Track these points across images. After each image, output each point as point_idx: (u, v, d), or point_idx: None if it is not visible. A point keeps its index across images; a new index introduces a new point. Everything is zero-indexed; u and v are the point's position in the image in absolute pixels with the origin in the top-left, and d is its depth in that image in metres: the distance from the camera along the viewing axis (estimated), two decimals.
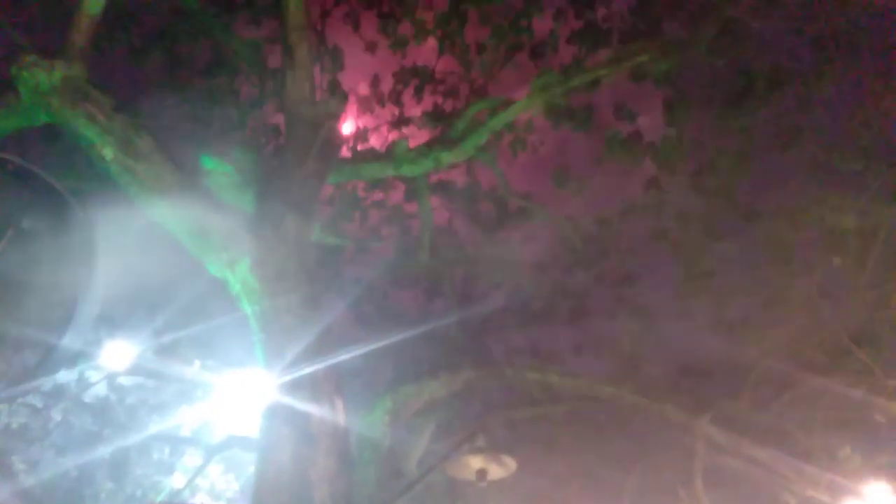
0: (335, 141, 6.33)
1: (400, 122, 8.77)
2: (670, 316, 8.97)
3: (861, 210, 7.23)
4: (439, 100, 8.65)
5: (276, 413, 4.73)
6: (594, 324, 9.62)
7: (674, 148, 7.59)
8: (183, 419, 11.05)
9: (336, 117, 6.37)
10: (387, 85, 8.74)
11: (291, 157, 6.11)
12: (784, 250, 7.81)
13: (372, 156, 7.91)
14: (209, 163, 6.16)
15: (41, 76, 4.96)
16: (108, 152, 5.13)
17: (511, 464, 5.31)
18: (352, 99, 8.89)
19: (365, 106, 8.96)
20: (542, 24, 8.41)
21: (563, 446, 9.54)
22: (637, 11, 7.32)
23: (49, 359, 3.03)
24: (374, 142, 8.74)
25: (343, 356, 5.25)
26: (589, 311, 9.62)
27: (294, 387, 4.71)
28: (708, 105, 7.73)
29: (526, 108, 7.35)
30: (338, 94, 7.49)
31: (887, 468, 7.45)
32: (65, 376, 10.15)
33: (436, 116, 8.65)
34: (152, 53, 7.72)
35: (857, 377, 7.66)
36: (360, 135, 8.96)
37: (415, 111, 8.76)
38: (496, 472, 5.40)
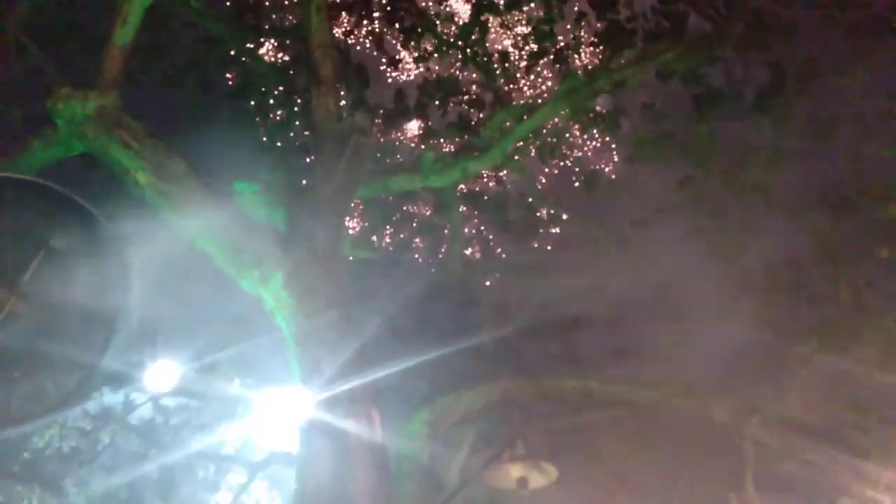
0: (363, 155, 6.37)
1: (427, 134, 8.81)
2: (711, 316, 8.72)
3: None
4: (464, 110, 8.67)
5: (314, 429, 4.75)
6: (633, 328, 9.41)
7: (706, 145, 7.42)
8: (226, 437, 11.19)
9: (362, 131, 6.43)
10: (411, 98, 8.80)
11: (320, 173, 6.18)
12: (828, 245, 7.54)
13: (400, 168, 7.96)
14: (240, 185, 6.28)
15: (76, 107, 5.14)
16: (142, 177, 5.27)
17: (552, 471, 5.21)
18: (379, 113, 8.98)
19: (391, 120, 9.04)
20: (564, 28, 8.38)
21: (605, 454, 9.33)
22: (661, 9, 7.22)
23: (90, 380, 3.09)
24: (402, 155, 8.79)
25: (379, 370, 5.25)
26: (627, 315, 9.43)
27: (331, 402, 4.72)
28: (739, 100, 7.56)
29: (552, 113, 7.30)
30: (363, 109, 7.57)
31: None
32: (111, 399, 10.39)
33: (461, 126, 8.67)
34: (184, 81, 7.95)
35: None
36: (388, 148, 9.04)
37: (441, 123, 8.79)
38: (537, 480, 5.30)
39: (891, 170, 6.99)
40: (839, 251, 7.41)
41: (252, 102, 7.70)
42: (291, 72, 7.77)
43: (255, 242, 5.45)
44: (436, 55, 8.51)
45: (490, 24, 8.34)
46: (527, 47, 8.28)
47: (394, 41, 9.43)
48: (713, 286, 8.55)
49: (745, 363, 8.28)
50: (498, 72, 8.52)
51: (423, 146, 8.62)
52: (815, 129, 7.35)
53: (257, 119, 7.50)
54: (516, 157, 8.01)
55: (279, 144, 7.44)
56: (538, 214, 9.06)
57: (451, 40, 8.59)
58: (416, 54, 8.67)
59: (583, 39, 7.73)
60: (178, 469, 10.87)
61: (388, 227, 9.08)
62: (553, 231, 9.25)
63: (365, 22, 8.47)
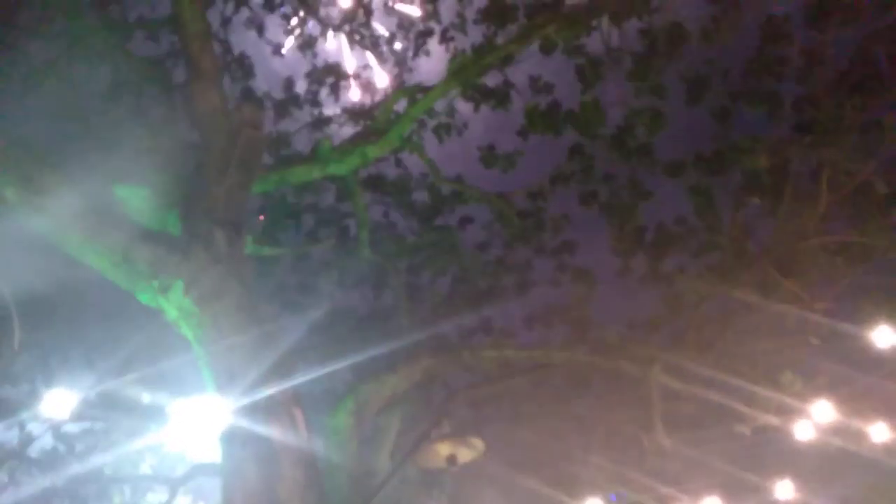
0: (255, 149, 6.16)
1: (320, 122, 8.62)
2: (610, 275, 9.25)
3: (771, 149, 7.63)
4: (357, 95, 8.56)
5: (234, 436, 4.62)
6: (540, 294, 9.82)
7: (592, 114, 7.76)
8: (140, 456, 10.63)
9: (253, 125, 6.19)
10: (301, 86, 8.57)
11: (211, 172, 5.91)
12: (705, 196, 8.16)
13: (296, 159, 7.76)
14: (122, 190, 5.89)
15: None
16: (9, 192, 4.83)
17: (479, 444, 5.39)
18: (267, 104, 8.67)
19: (282, 110, 8.76)
20: (448, 7, 8.43)
21: (527, 417, 9.75)
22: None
23: None
24: (297, 145, 8.57)
25: (297, 369, 5.17)
26: (534, 282, 9.81)
27: (250, 408, 4.61)
28: (618, 68, 7.95)
29: (444, 91, 7.36)
30: (251, 101, 7.28)
31: (827, 386, 7.97)
32: (4, 434, 9.57)
33: (356, 112, 8.56)
34: (43, 83, 7.27)
35: (788, 306, 8.13)
36: (282, 139, 8.77)
37: (334, 109, 8.63)
38: (466, 454, 5.47)
39: (755, 124, 7.65)
40: (716, 203, 8.04)
41: (127, 102, 7.18)
42: (168, 66, 7.31)
43: (149, 251, 5.15)
44: (321, 41, 8.30)
45: (374, 6, 8.25)
46: (413, 28, 8.27)
47: (276, 27, 9.12)
48: (605, 245, 9.06)
49: (645, 316, 8.87)
50: (386, 54, 8.46)
51: (318, 134, 8.44)
52: (688, 90, 7.90)
53: (135, 119, 7.01)
54: (414, 139, 8.02)
55: (163, 145, 7.00)
56: (441, 194, 9.14)
57: (336, 24, 8.41)
58: (300, 41, 8.42)
59: (467, 17, 7.82)
60: (91, 498, 10.23)
61: (289, 219, 8.85)
62: (457, 208, 9.38)
63: (243, 9, 8.10)
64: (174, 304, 5.12)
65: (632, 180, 8.62)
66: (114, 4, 7.36)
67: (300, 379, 4.96)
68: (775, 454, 8.48)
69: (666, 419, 8.57)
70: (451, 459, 5.28)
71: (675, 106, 8.04)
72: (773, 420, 8.23)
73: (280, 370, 5.03)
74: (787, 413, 8.06)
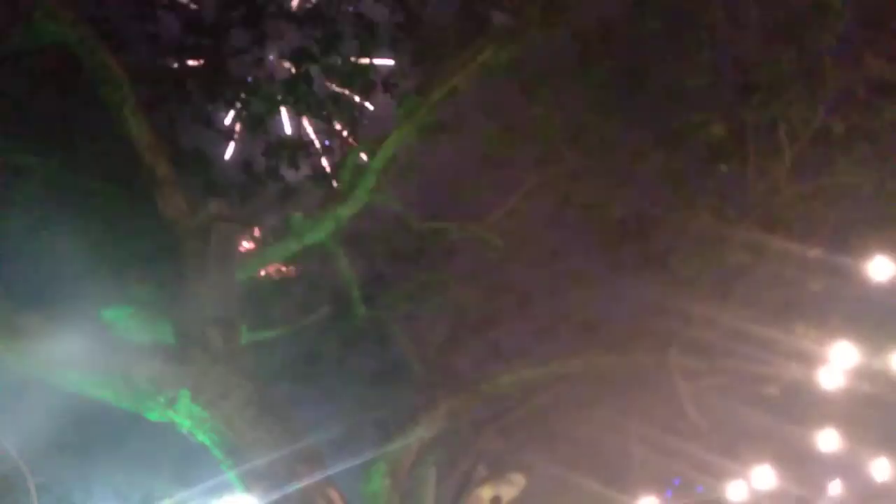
0: (230, 240, 6.17)
1: (287, 195, 8.66)
2: (604, 272, 9.28)
3: (724, 117, 7.78)
4: (316, 160, 8.61)
5: None
6: (541, 307, 9.81)
7: (546, 125, 7.89)
8: None
9: (222, 217, 6.22)
10: (259, 164, 8.62)
11: (191, 273, 5.91)
12: (675, 175, 8.27)
13: (272, 238, 7.77)
14: (108, 312, 5.86)
15: None
16: None
17: (519, 479, 5.34)
18: (231, 191, 8.69)
19: (246, 193, 8.78)
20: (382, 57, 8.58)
21: (559, 432, 9.65)
22: (462, 14, 7.58)
23: None
24: (267, 223, 8.57)
25: (320, 447, 5.11)
26: (532, 298, 9.80)
27: (283, 500, 4.53)
28: (561, 73, 8.10)
29: (400, 138, 7.42)
30: (215, 194, 7.31)
31: (842, 328, 7.99)
32: None
33: (319, 177, 8.61)
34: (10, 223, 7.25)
35: (782, 261, 8.19)
36: (253, 220, 8.76)
37: (297, 179, 8.67)
38: (509, 492, 5.41)
39: (701, 98, 7.78)
40: (684, 179, 8.14)
41: (94, 224, 7.16)
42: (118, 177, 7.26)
43: (147, 368, 5.12)
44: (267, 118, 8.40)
45: (312, 73, 8.36)
46: (354, 84, 8.38)
47: (221, 114, 9.20)
48: (591, 245, 9.11)
49: (647, 304, 8.89)
50: (335, 115, 8.55)
51: (287, 208, 8.46)
52: (631, 79, 8.05)
53: (104, 240, 6.98)
54: (382, 189, 8.06)
55: (135, 256, 6.98)
56: (422, 234, 9.15)
57: (279, 98, 8.51)
58: (248, 122, 8.51)
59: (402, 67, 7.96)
60: None
61: (278, 296, 8.81)
62: (439, 244, 9.40)
63: (185, 107, 8.18)
64: (184, 415, 5.08)
65: (598, 175, 8.70)
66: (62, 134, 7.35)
67: (330, 469, 4.88)
68: (809, 408, 8.45)
69: (695, 399, 8.55)
70: (496, 501, 5.21)
71: (622, 97, 8.19)
72: (798, 373, 8.22)
73: (305, 454, 4.97)
74: (809, 363, 8.07)
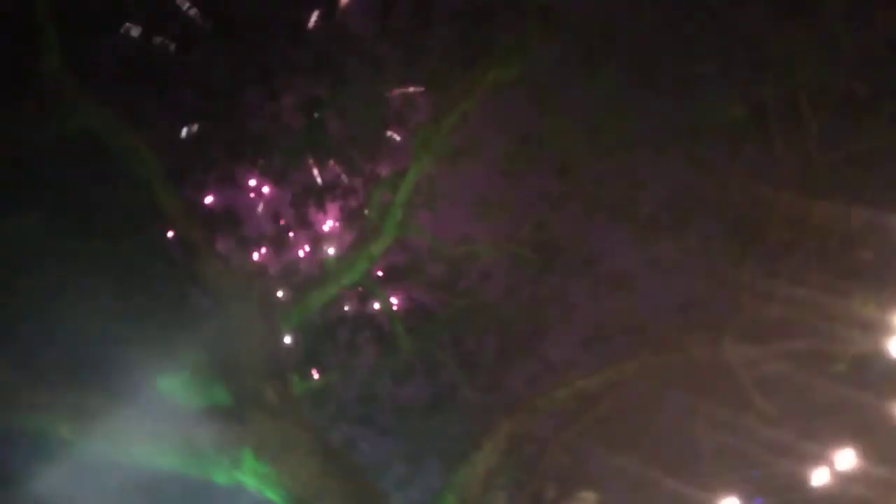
0: (271, 295, 6.29)
1: (318, 240, 8.80)
2: (642, 270, 9.11)
3: (742, 95, 7.66)
4: (343, 202, 8.74)
5: None
6: (584, 315, 9.68)
7: (566, 132, 7.89)
8: None
9: (260, 272, 6.36)
10: (287, 214, 8.79)
11: (239, 333, 6.02)
12: (701, 163, 8.13)
13: (310, 284, 7.88)
14: (164, 382, 5.99)
15: None
16: (65, 429, 4.93)
17: (590, 497, 5.21)
18: (263, 244, 8.88)
19: (279, 244, 8.96)
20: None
21: (624, 439, 9.43)
22: (464, 38, 7.67)
23: None
24: (303, 270, 8.71)
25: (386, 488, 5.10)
26: (574, 307, 9.69)
27: None
28: (568, 81, 8.10)
29: (420, 169, 7.50)
30: (246, 250, 7.46)
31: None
32: None
33: (347, 217, 8.73)
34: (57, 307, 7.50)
35: (826, 233, 7.94)
36: (290, 269, 8.93)
37: (326, 224, 8.81)
38: None
39: (715, 82, 7.66)
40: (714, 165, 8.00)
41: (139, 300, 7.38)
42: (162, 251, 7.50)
43: (209, 432, 5.22)
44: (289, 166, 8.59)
45: (325, 118, 8.53)
46: (369, 122, 8.51)
47: (244, 170, 9.42)
48: (626, 245, 8.97)
49: (690, 298, 8.69)
50: (354, 155, 8.69)
51: (320, 254, 8.59)
52: (640, 74, 8.00)
53: (148, 311, 7.17)
54: (409, 222, 8.12)
55: (182, 323, 7.16)
56: (454, 259, 9.17)
57: (298, 148, 8.69)
58: (272, 176, 8.71)
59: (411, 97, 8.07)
60: None
61: (325, 341, 8.91)
62: (474, 266, 9.39)
63: (211, 171, 8.43)
64: (250, 473, 5.13)
65: (622, 175, 8.62)
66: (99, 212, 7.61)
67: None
68: (881, 379, 8.09)
69: (760, 387, 8.27)
70: None
71: (635, 93, 8.13)
72: (863, 345, 7.91)
73: (372, 497, 4.97)
74: (875, 333, 7.75)
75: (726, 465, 9.36)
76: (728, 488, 8.79)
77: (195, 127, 8.71)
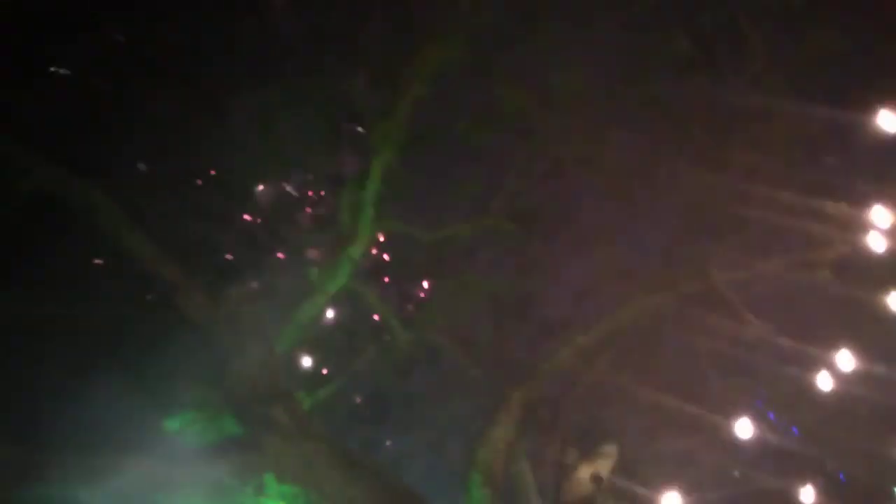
0: (260, 320, 6.25)
1: (297, 253, 8.71)
2: (620, 220, 9.17)
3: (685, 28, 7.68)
4: (310, 212, 8.65)
5: None
6: (572, 272, 9.74)
7: (515, 104, 7.88)
8: None
9: (247, 300, 6.30)
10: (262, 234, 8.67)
11: (235, 361, 5.99)
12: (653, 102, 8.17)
13: (297, 299, 7.83)
14: (171, 422, 5.96)
15: None
16: (84, 495, 4.90)
17: (612, 450, 5.31)
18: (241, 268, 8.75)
19: (257, 263, 8.84)
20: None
21: (631, 387, 9.56)
22: (400, 27, 7.58)
23: None
24: (283, 288, 8.59)
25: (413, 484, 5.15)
26: (559, 266, 9.74)
27: None
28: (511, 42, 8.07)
29: (384, 163, 7.45)
30: (231, 281, 7.34)
31: (868, 193, 7.81)
32: None
33: (318, 227, 8.65)
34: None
35: (791, 139, 8.04)
36: (274, 288, 8.84)
37: (300, 237, 8.72)
38: (605, 465, 5.38)
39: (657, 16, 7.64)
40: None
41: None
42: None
43: (228, 465, 5.22)
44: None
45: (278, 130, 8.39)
46: (322, 126, 8.39)
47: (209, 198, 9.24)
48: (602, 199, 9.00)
49: (671, 238, 8.79)
50: (312, 160, 8.57)
51: (301, 268, 8.50)
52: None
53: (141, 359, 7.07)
54: (384, 217, 8.07)
55: (176, 363, 7.08)
56: (437, 244, 9.13)
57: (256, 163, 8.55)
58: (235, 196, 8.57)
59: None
60: None
61: (323, 351, 8.88)
62: (456, 247, 9.38)
63: (175, 203, 8.25)
64: (276, 497, 5.17)
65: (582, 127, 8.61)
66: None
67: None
68: (867, 279, 8.29)
69: (753, 308, 8.43)
70: (597, 479, 5.20)
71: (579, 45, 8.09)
72: (842, 248, 8.08)
73: (400, 496, 5.01)
74: (852, 232, 7.91)
75: (734, 388, 9.57)
76: (739, 409, 8.99)
77: (147, 164, 8.51)
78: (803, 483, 8.96)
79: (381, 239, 8.98)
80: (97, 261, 6.83)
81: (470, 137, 8.35)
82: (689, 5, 7.49)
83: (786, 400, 9.68)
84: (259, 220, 8.43)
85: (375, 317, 9.19)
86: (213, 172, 8.42)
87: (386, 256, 9.16)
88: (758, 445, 8.88)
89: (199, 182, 8.60)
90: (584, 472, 5.18)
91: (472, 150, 8.61)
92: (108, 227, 6.32)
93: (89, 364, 6.48)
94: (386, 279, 9.41)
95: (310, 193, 8.49)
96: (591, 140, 8.59)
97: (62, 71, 7.59)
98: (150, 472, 5.08)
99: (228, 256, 8.31)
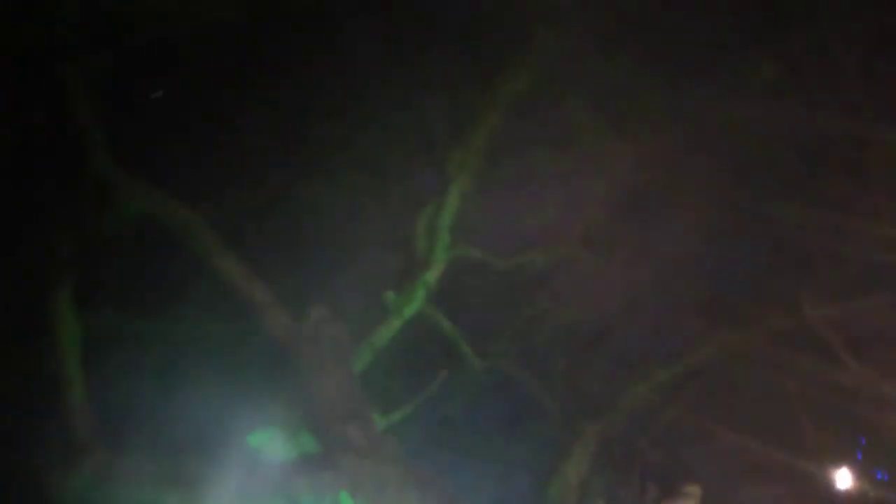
0: (340, 338, 6.41)
1: (373, 277, 8.88)
2: (698, 247, 8.84)
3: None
4: (389, 233, 8.83)
5: None
6: (651, 304, 9.44)
7: (596, 125, 7.83)
8: None
9: (326, 320, 6.48)
10: (338, 260, 8.92)
11: (316, 381, 6.14)
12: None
13: (375, 322, 7.97)
14: (255, 439, 6.16)
15: None
16: (173, 501, 5.13)
17: (694, 490, 5.07)
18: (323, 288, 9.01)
19: (338, 285, 9.08)
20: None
21: (714, 425, 9.10)
22: (475, 55, 7.73)
23: None
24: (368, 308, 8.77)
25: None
26: (638, 297, 9.46)
27: None
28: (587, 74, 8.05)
29: (460, 190, 7.57)
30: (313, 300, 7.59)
31: None
32: None
33: (396, 250, 8.82)
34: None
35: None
36: (353, 311, 9.02)
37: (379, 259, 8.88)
38: None
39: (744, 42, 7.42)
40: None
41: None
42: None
43: (304, 482, 5.35)
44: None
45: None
46: (399, 153, 8.62)
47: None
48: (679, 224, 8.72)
49: (757, 268, 8.38)
50: (390, 187, 8.79)
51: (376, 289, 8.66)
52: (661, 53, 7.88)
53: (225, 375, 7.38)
54: (458, 244, 8.14)
55: (260, 381, 7.35)
56: (509, 268, 9.08)
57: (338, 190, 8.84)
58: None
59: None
60: None
61: (397, 374, 8.96)
62: (531, 275, 9.31)
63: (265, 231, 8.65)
64: None
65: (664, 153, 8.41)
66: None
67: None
68: None
69: (852, 348, 7.89)
70: None
71: (658, 70, 7.96)
72: None
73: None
74: None
75: (830, 433, 8.92)
76: (837, 458, 8.35)
77: (246, 192, 8.90)
78: None
79: (457, 264, 9.05)
80: (191, 279, 7.23)
81: (547, 163, 8.34)
82: (777, 26, 7.25)
83: (889, 453, 8.92)
84: (339, 241, 8.69)
85: (449, 342, 9.21)
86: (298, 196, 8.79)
87: (461, 282, 9.20)
88: (855, 500, 8.22)
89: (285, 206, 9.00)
90: None
91: (548, 177, 8.59)
92: (201, 246, 6.70)
93: (180, 376, 6.85)
94: (460, 304, 9.43)
95: (387, 214, 8.69)
96: (671, 167, 8.40)
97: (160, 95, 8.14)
98: (232, 482, 5.25)
99: (310, 277, 8.60)
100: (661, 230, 8.90)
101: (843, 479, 7.96)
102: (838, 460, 8.25)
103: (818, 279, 7.85)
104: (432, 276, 7.61)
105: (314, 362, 6.20)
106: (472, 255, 8.42)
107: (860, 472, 8.65)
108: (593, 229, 8.75)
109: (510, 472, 9.66)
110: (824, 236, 7.93)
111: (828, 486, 8.43)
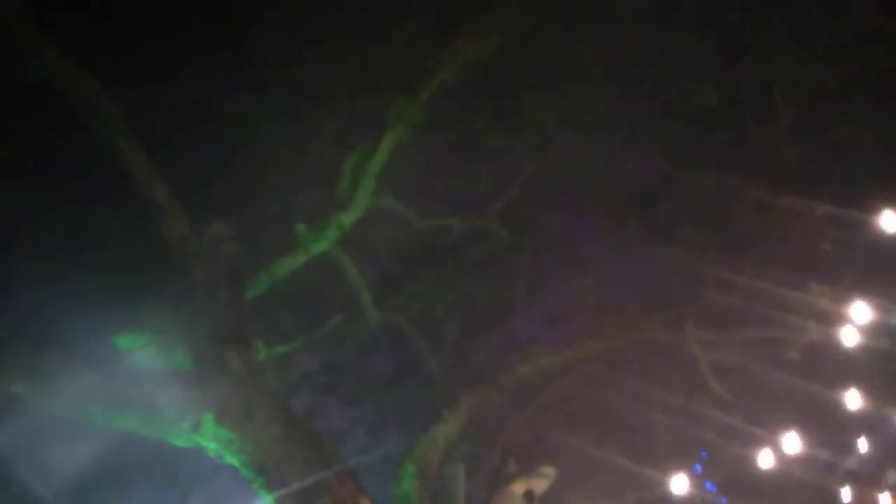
0: (238, 260, 6.16)
1: (288, 206, 8.61)
2: (610, 252, 9.24)
3: (718, 81, 7.72)
4: (313, 168, 8.55)
5: None
6: (551, 294, 9.79)
7: (541, 111, 7.86)
8: None
9: (228, 238, 6.20)
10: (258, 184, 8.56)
11: (202, 297, 5.90)
12: (673, 147, 8.21)
13: (278, 252, 7.75)
14: (123, 340, 5.87)
15: None
16: (19, 387, 4.81)
17: (550, 471, 5.34)
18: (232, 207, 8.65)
19: (249, 207, 8.74)
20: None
21: (583, 416, 9.66)
22: (444, 11, 7.52)
23: None
24: (270, 238, 8.51)
25: (348, 454, 5.12)
26: (542, 285, 9.78)
27: None
28: (546, 58, 8.05)
29: (395, 140, 7.40)
30: (216, 217, 7.26)
31: (854, 285, 7.96)
32: None
33: (317, 184, 8.56)
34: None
35: (790, 223, 8.15)
36: (258, 236, 8.73)
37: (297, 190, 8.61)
38: (540, 485, 5.41)
39: (690, 67, 7.69)
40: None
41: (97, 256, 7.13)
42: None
43: (169, 395, 5.14)
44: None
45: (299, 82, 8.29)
46: (341, 88, 8.31)
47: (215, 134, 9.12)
48: (596, 226, 9.05)
49: (656, 281, 8.86)
50: (324, 120, 8.48)
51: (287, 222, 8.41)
52: (618, 55, 8.01)
53: (103, 270, 6.93)
54: (382, 194, 8.01)
55: (144, 284, 6.97)
56: (427, 233, 9.09)
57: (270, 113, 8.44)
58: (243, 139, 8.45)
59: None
60: None
61: (290, 309, 8.80)
62: (444, 241, 9.36)
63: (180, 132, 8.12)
64: (210, 438, 5.09)
65: (596, 156, 8.63)
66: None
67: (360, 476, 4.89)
68: (831, 369, 8.43)
69: (715, 370, 8.54)
70: (529, 496, 5.22)
71: (611, 74, 8.10)
72: (816, 334, 8.20)
73: (334, 465, 4.98)
74: (828, 322, 8.04)
75: (677, 445, 9.69)
76: (678, 467, 9.11)
77: (168, 87, 8.34)
78: None
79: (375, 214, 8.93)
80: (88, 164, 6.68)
81: (485, 138, 8.33)
82: (729, 62, 7.54)
83: (725, 469, 9.81)
84: (258, 163, 8.33)
85: (350, 288, 9.13)
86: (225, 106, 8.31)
87: (375, 232, 9.11)
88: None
89: (209, 116, 8.49)
90: (519, 488, 5.20)
91: (483, 151, 8.59)
92: (107, 132, 6.19)
93: (55, 261, 6.36)
94: (369, 254, 9.35)
95: (315, 149, 8.39)
96: (602, 169, 8.63)
97: None
98: (92, 383, 4.99)
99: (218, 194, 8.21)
100: (580, 225, 9.20)
101: (679, 484, 8.70)
102: (678, 467, 8.99)
103: (703, 304, 8.39)
104: (348, 218, 7.45)
105: (205, 278, 5.94)
106: (393, 207, 8.31)
107: (695, 481, 9.47)
108: (515, 210, 8.86)
109: (382, 425, 9.84)
110: (723, 266, 8.48)
111: (666, 488, 9.17)
